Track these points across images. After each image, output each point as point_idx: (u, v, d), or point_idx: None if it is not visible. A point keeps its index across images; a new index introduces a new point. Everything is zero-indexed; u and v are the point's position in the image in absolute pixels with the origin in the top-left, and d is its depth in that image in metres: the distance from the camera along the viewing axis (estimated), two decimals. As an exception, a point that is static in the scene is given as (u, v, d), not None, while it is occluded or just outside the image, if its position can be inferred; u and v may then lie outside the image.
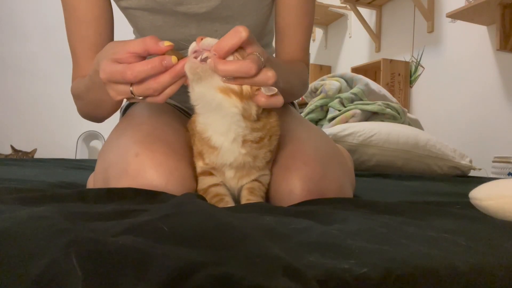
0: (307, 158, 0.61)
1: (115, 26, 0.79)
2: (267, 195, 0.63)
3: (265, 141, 0.57)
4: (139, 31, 0.80)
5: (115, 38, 0.80)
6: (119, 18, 0.82)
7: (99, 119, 0.76)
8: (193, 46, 0.51)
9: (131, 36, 0.91)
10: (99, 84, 0.57)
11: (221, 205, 0.56)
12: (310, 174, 0.60)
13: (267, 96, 0.51)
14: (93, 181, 0.72)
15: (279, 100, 0.52)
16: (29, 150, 3.49)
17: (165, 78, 0.51)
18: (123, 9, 0.76)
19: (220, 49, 0.49)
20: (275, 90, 0.51)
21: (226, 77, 0.49)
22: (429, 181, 1.36)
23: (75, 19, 0.74)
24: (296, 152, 0.62)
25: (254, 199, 0.58)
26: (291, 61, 0.79)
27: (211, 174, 0.60)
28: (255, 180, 0.60)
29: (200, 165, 0.60)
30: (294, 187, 0.59)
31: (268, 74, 0.49)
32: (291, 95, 0.79)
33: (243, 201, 0.59)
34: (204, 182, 0.60)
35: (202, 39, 0.51)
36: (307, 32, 0.81)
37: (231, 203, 0.57)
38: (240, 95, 0.51)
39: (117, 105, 0.69)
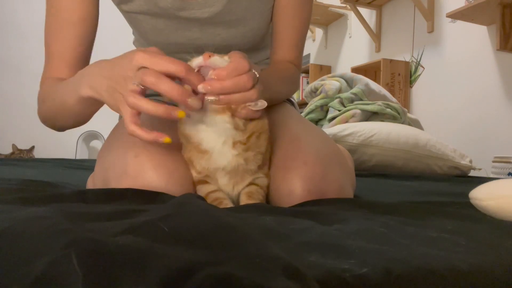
0: (308, 158, 0.61)
1: (114, 26, 0.79)
2: (267, 195, 0.63)
3: (253, 139, 0.57)
4: (141, 34, 0.80)
5: (116, 40, 0.81)
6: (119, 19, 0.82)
7: (58, 127, 0.74)
8: (199, 61, 0.50)
9: (131, 37, 0.91)
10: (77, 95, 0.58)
11: (220, 207, 0.56)
12: (311, 174, 0.60)
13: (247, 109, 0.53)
14: (93, 182, 0.72)
15: (257, 114, 0.55)
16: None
17: (159, 110, 0.49)
18: (125, 13, 0.76)
19: (221, 78, 0.49)
20: (265, 104, 0.53)
21: (223, 93, 0.50)
22: (429, 181, 1.36)
23: (58, 19, 0.72)
24: (296, 152, 0.62)
25: (252, 202, 0.58)
26: (281, 64, 0.80)
27: (207, 182, 0.60)
28: (252, 183, 0.60)
29: (194, 174, 0.59)
30: (294, 187, 0.59)
31: (252, 91, 0.52)
32: (278, 100, 0.81)
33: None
34: (202, 190, 0.59)
35: (210, 56, 0.50)
36: (302, 35, 0.82)
37: (230, 206, 0.57)
38: (233, 111, 0.52)
39: (81, 120, 0.67)
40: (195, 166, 0.58)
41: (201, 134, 0.55)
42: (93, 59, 0.69)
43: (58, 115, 0.69)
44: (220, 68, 0.49)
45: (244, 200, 0.58)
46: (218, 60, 0.50)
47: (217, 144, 0.55)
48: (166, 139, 0.51)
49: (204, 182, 0.59)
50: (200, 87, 0.49)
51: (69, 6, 0.70)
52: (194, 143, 0.57)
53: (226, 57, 0.52)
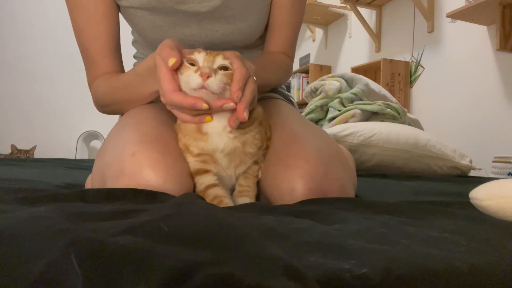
0: (309, 157, 0.61)
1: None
2: (267, 194, 0.63)
3: (248, 126, 0.61)
4: (139, 31, 0.80)
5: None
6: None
7: (116, 113, 0.80)
8: (198, 81, 0.53)
9: (130, 37, 0.91)
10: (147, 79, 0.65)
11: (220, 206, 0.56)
12: (312, 173, 0.60)
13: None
14: (91, 182, 0.72)
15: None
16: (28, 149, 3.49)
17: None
18: (124, 9, 0.76)
19: (239, 89, 0.55)
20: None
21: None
22: (429, 181, 1.36)
23: (84, 18, 0.75)
24: (297, 150, 0.62)
25: (245, 183, 0.63)
26: (274, 55, 0.84)
27: (206, 171, 0.60)
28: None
29: (190, 160, 0.60)
30: (295, 185, 0.59)
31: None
32: (268, 87, 0.85)
33: (237, 186, 0.63)
34: (201, 182, 0.60)
35: (207, 76, 0.53)
36: (296, 30, 0.86)
37: (230, 205, 0.57)
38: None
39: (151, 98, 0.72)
40: (191, 151, 0.60)
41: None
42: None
43: (125, 105, 0.74)
44: (234, 87, 0.55)
45: (240, 181, 0.63)
46: (213, 81, 0.53)
47: (217, 128, 0.59)
48: (208, 118, 0.57)
49: (203, 171, 0.60)
50: (229, 106, 0.55)
51: (91, 4, 0.74)
52: (194, 126, 0.59)
53: (220, 57, 0.55)
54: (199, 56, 0.55)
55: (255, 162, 0.64)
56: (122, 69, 0.81)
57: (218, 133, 0.59)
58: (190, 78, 0.54)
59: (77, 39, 0.77)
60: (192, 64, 0.55)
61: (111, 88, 0.75)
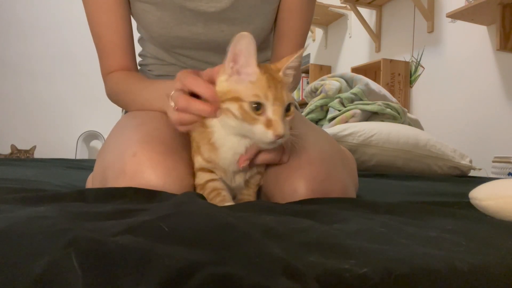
0: (312, 158, 0.61)
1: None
2: (269, 194, 0.64)
3: None
4: (145, 26, 0.80)
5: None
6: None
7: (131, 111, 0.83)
8: (271, 139, 0.52)
9: (137, 34, 0.90)
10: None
11: (218, 199, 0.56)
12: (315, 174, 0.60)
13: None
14: (92, 182, 0.72)
15: None
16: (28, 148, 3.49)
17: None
18: (132, 2, 0.77)
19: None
20: None
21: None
22: (429, 181, 1.36)
23: (96, 7, 0.76)
24: (300, 151, 0.62)
25: (246, 192, 0.63)
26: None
27: (210, 171, 0.60)
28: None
29: (199, 160, 0.60)
30: (298, 186, 0.59)
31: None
32: None
33: (238, 193, 0.64)
34: (202, 177, 0.60)
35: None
36: (305, 35, 0.85)
37: (228, 197, 0.58)
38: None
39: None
40: (202, 152, 0.59)
41: (221, 141, 0.57)
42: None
43: (135, 107, 0.76)
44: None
45: (243, 191, 0.63)
46: (284, 137, 0.53)
47: (230, 154, 0.58)
48: None
49: (206, 170, 0.60)
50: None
51: None
52: (210, 139, 0.58)
53: (284, 98, 0.53)
54: (268, 103, 0.51)
55: (258, 172, 0.64)
56: (135, 65, 0.82)
57: (230, 147, 0.57)
58: (263, 135, 0.51)
59: (91, 30, 0.78)
60: (257, 105, 0.51)
61: (126, 90, 0.76)
